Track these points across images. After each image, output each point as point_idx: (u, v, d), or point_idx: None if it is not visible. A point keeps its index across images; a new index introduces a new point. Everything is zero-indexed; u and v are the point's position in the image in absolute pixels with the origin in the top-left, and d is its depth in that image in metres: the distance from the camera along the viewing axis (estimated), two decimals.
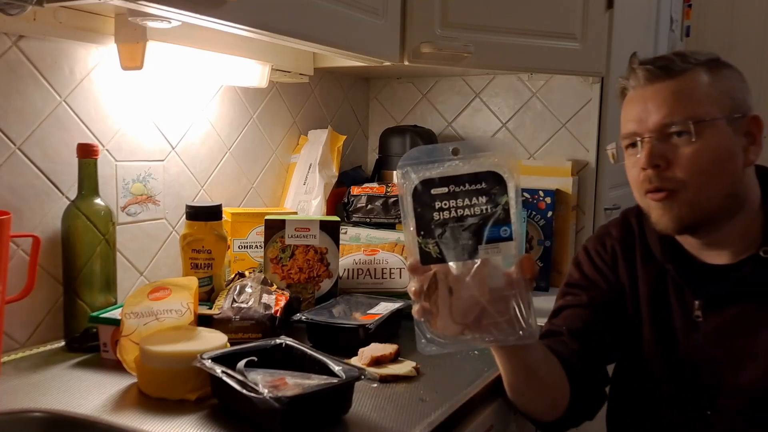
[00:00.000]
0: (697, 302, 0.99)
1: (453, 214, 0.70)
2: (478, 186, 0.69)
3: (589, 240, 1.14)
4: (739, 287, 0.96)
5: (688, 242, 1.01)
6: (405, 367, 1.00)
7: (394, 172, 0.75)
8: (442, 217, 0.70)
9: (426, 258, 0.71)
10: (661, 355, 1.01)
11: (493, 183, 0.69)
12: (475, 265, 0.70)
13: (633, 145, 0.97)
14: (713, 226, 0.96)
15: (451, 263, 0.71)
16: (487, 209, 0.70)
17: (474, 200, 0.70)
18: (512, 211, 0.70)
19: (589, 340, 1.02)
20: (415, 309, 0.74)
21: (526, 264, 0.72)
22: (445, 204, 0.70)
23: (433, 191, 0.69)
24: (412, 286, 0.74)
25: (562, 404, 0.98)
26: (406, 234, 0.71)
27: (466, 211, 0.70)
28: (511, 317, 0.72)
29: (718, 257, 0.99)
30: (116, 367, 0.97)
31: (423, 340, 0.73)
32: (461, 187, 0.69)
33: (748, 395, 0.94)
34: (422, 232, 0.70)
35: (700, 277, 0.99)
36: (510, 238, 0.70)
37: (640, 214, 1.06)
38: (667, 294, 1.02)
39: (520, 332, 0.71)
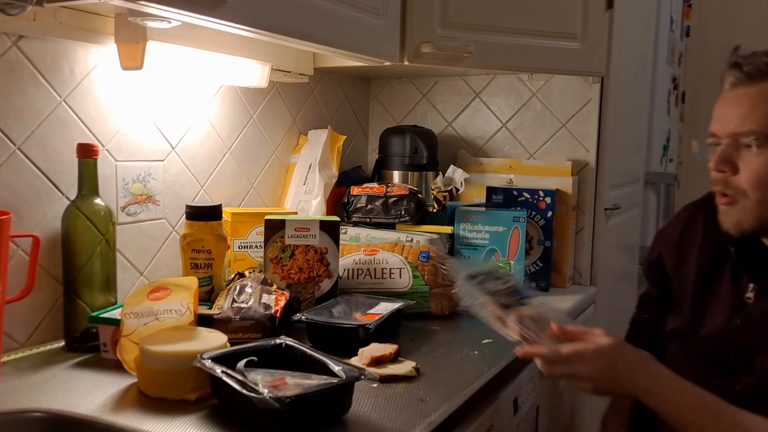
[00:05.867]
0: (752, 285, 1.02)
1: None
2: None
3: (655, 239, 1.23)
4: None
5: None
6: (405, 367, 1.00)
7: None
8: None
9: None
10: (695, 334, 1.06)
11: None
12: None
13: (712, 142, 1.01)
14: None
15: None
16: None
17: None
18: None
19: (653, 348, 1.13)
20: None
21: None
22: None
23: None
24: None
25: None
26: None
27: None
28: None
29: None
30: (116, 367, 0.97)
31: None
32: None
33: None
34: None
35: (761, 263, 1.03)
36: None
37: (711, 199, 1.12)
38: (720, 276, 1.07)
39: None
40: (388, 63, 1.36)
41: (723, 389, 0.98)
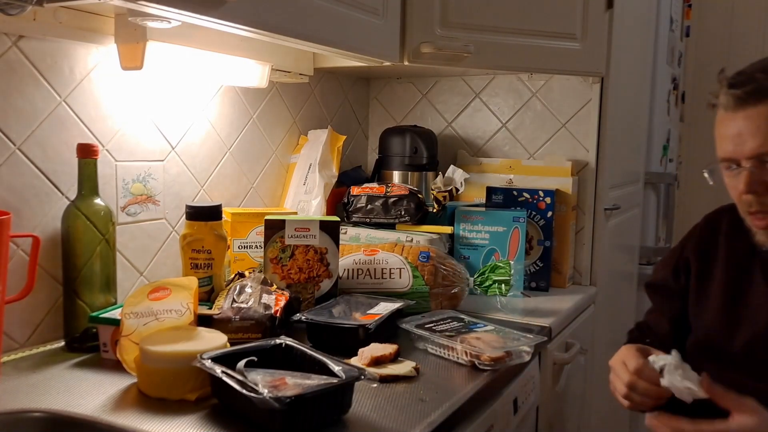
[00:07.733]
0: None
1: None
2: None
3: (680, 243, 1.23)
4: None
5: None
6: (405, 367, 1.00)
7: None
8: None
9: None
10: (731, 343, 1.06)
11: None
12: None
13: (730, 166, 1.02)
14: None
15: None
16: None
17: None
18: None
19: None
20: None
21: None
22: None
23: None
24: None
25: None
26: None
27: None
28: None
29: None
30: (116, 367, 0.97)
31: None
32: None
33: None
34: None
35: None
36: None
37: (725, 212, 1.15)
38: (750, 283, 1.08)
39: None
40: (388, 63, 1.36)
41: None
